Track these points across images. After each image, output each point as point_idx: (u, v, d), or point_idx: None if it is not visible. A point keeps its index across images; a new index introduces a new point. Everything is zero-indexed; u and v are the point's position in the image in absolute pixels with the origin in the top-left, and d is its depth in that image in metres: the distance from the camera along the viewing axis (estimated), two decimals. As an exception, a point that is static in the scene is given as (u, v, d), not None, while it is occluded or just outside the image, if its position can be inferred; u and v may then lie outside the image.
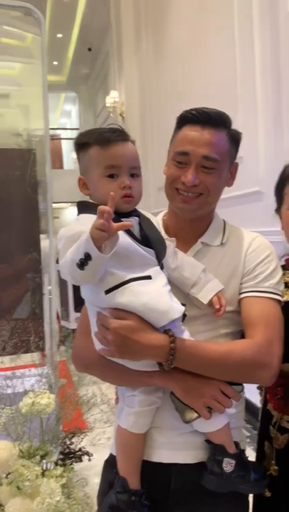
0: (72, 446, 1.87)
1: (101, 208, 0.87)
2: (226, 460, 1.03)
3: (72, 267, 0.91)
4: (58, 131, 13.19)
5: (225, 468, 1.03)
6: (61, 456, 1.86)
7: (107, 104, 6.03)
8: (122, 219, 1.01)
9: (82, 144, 1.05)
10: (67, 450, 1.86)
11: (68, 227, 1.00)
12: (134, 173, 1.04)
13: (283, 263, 1.23)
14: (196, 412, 1.01)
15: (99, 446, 1.97)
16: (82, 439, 1.91)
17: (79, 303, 5.76)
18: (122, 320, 0.96)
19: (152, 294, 0.97)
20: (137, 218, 1.04)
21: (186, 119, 1.10)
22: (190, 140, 1.08)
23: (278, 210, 1.22)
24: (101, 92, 7.95)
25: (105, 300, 0.97)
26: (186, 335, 1.01)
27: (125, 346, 0.97)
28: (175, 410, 1.04)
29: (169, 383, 1.01)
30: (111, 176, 1.01)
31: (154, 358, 0.98)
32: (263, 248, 1.13)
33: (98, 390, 2.11)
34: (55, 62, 8.85)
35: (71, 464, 1.85)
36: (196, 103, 3.99)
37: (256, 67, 2.95)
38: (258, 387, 1.30)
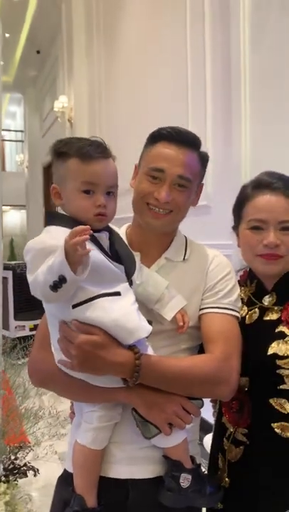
0: (16, 462, 1.81)
1: (78, 231, 0.87)
2: (182, 476, 1.04)
3: (45, 288, 0.89)
4: (2, 133, 12.81)
5: (182, 484, 1.04)
6: (4, 472, 1.78)
7: (55, 109, 5.94)
8: (94, 234, 1.01)
9: (61, 152, 1.03)
10: (11, 466, 1.79)
11: (38, 239, 0.98)
12: (111, 191, 1.03)
13: (238, 278, 1.27)
14: (157, 427, 1.01)
15: (40, 460, 1.92)
16: (27, 453, 1.85)
17: (19, 310, 5.61)
18: (87, 335, 0.95)
19: (122, 311, 0.97)
20: (107, 233, 1.04)
21: (162, 136, 1.12)
22: (165, 157, 1.09)
23: (235, 228, 1.26)
24: (49, 96, 7.83)
25: (72, 314, 0.95)
26: (149, 350, 1.02)
27: (89, 362, 0.96)
28: (135, 426, 1.04)
29: (131, 399, 1.01)
30: (87, 192, 1.00)
31: (118, 374, 0.98)
32: (223, 266, 1.17)
33: (46, 402, 2.06)
34: (1, 62, 8.61)
35: (15, 480, 1.78)
36: (148, 112, 4.09)
37: (207, 78, 3.02)
38: (212, 401, 1.32)
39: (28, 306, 5.44)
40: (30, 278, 0.94)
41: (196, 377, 1.01)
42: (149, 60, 4.03)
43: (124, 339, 0.97)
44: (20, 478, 1.76)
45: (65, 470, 1.18)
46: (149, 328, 0.99)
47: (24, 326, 5.61)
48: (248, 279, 1.25)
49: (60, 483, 1.19)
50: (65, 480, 1.15)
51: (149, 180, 1.10)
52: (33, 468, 1.76)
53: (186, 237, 1.22)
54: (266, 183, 1.17)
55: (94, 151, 1.01)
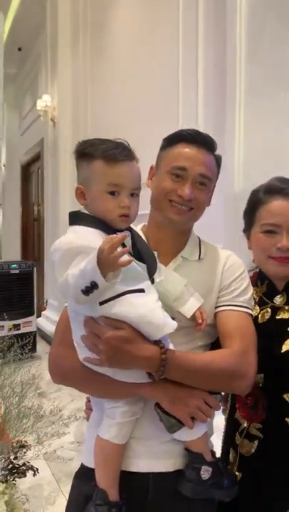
0: (15, 461, 1.79)
1: (113, 240, 0.89)
2: (203, 468, 1.07)
3: (77, 292, 0.92)
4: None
5: (202, 476, 1.07)
6: (3, 472, 1.76)
7: (38, 108, 5.89)
8: (117, 234, 1.03)
9: (86, 153, 1.05)
10: (10, 465, 1.77)
11: (65, 239, 1.00)
12: (134, 193, 1.06)
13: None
14: (180, 421, 1.04)
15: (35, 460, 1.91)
16: (25, 453, 1.83)
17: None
18: (115, 330, 0.97)
19: (148, 307, 1.00)
20: (129, 233, 1.07)
21: (182, 137, 1.17)
22: (188, 157, 1.14)
23: (246, 231, 1.31)
24: (29, 94, 7.75)
25: (99, 310, 0.97)
26: (171, 346, 1.04)
27: (117, 356, 0.98)
28: (158, 420, 1.06)
29: (156, 394, 1.04)
30: (112, 193, 1.03)
31: (145, 369, 1.00)
32: (238, 266, 1.21)
33: (47, 402, 2.05)
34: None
35: (13, 480, 1.77)
36: (136, 114, 4.09)
37: (199, 82, 3.06)
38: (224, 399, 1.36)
39: (6, 306, 5.37)
40: (59, 279, 0.96)
41: (216, 371, 1.05)
42: (138, 61, 4.05)
43: (150, 334, 1.00)
44: (19, 477, 1.75)
45: (82, 465, 1.19)
46: (175, 324, 1.01)
47: (3, 326, 5.55)
48: (259, 279, 1.30)
49: (78, 478, 1.21)
50: (84, 475, 1.16)
51: (171, 178, 1.14)
52: (32, 468, 1.76)
53: (199, 238, 1.26)
54: (278, 188, 1.23)
55: (119, 153, 1.04)
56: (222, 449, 1.29)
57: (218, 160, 1.19)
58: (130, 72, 4.22)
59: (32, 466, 1.76)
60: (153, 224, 1.21)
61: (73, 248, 0.96)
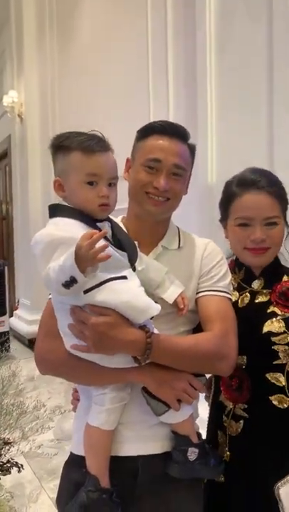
0: (-2, 459, 1.78)
1: (89, 236, 0.91)
2: (190, 449, 1.10)
3: (58, 286, 0.94)
4: None
5: (189, 457, 1.10)
6: (-14, 470, 1.75)
7: (5, 104, 5.78)
8: (97, 224, 1.05)
9: (62, 146, 1.07)
10: (-7, 463, 1.76)
11: (45, 231, 1.01)
12: (112, 183, 1.08)
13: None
14: (166, 404, 1.06)
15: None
16: (8, 449, 1.82)
17: None
18: (100, 316, 0.99)
19: (131, 293, 1.02)
20: (109, 223, 1.09)
21: (154, 129, 1.19)
22: (161, 148, 1.16)
23: (222, 221, 1.35)
24: (-6, 90, 7.58)
25: (84, 299, 0.99)
26: (155, 331, 1.07)
27: (103, 342, 1.00)
28: (145, 405, 1.08)
29: (143, 378, 1.06)
30: (90, 184, 1.05)
31: (131, 353, 1.02)
32: (216, 253, 1.25)
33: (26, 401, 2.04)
34: None
35: (-2, 478, 1.76)
36: (105, 110, 4.07)
37: (169, 77, 3.07)
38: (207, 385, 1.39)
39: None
40: (42, 272, 0.97)
41: (200, 353, 1.08)
42: (107, 55, 4.03)
43: (135, 318, 1.02)
44: (4, 475, 1.73)
45: (72, 454, 1.20)
46: (159, 306, 1.04)
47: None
48: (236, 266, 1.34)
49: (68, 467, 1.22)
50: (74, 463, 1.18)
51: (146, 170, 1.16)
52: (16, 465, 1.74)
53: (178, 227, 1.28)
54: (251, 181, 1.25)
55: (95, 144, 1.06)
56: (208, 432, 1.32)
57: (191, 149, 1.22)
58: (99, 67, 4.20)
59: (16, 462, 1.75)
60: (132, 215, 1.23)
61: (54, 240, 0.97)
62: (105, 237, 1.03)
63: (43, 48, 5.33)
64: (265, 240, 1.22)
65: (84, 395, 1.17)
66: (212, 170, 2.57)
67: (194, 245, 1.24)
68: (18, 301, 6.33)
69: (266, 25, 2.21)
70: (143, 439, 1.12)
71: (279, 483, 1.16)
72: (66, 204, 1.07)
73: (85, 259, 0.90)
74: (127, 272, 1.04)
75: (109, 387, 1.07)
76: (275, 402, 1.19)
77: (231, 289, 1.24)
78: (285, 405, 1.19)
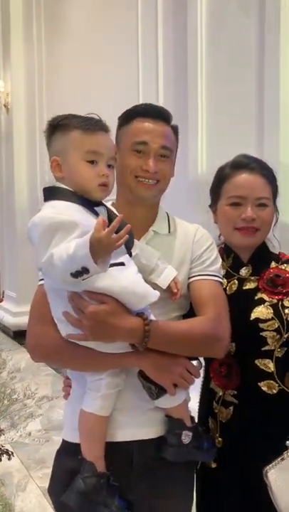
0: (-12, 447, 1.78)
1: (111, 228, 0.89)
2: (184, 433, 1.12)
3: (65, 275, 0.92)
4: None
5: (183, 440, 1.12)
6: (-23, 459, 1.76)
7: (-10, 93, 5.71)
8: (95, 208, 1.05)
9: (60, 125, 1.06)
10: (-16, 451, 1.77)
11: (43, 215, 0.99)
12: (111, 164, 1.08)
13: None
14: (162, 389, 1.08)
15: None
16: (-2, 438, 1.83)
17: None
18: (99, 304, 1.00)
19: (130, 279, 1.03)
20: (104, 207, 1.08)
21: (137, 113, 1.19)
22: (146, 131, 1.16)
23: (212, 206, 1.37)
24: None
25: (82, 285, 0.98)
26: (152, 317, 1.08)
27: (101, 330, 1.01)
28: (140, 391, 1.10)
29: (141, 362, 1.08)
30: (91, 162, 1.04)
31: (129, 340, 1.04)
32: (207, 237, 1.26)
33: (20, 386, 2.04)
34: None
35: (-12, 466, 1.76)
36: (95, 103, 4.02)
37: (159, 65, 3.07)
38: None
39: None
40: (41, 257, 0.96)
41: (196, 337, 1.10)
42: (96, 48, 4.00)
43: (134, 305, 1.03)
44: (-6, 462, 1.74)
45: (64, 441, 1.21)
46: (157, 293, 1.05)
47: None
48: (225, 254, 1.36)
49: (60, 455, 1.22)
50: (67, 450, 1.19)
51: (133, 154, 1.16)
52: (7, 452, 1.76)
53: (167, 212, 1.29)
54: (244, 163, 1.29)
55: (95, 123, 1.07)
56: (199, 419, 1.33)
57: (175, 130, 1.23)
58: (87, 58, 4.17)
59: (7, 450, 1.76)
60: (122, 200, 1.23)
61: (53, 224, 0.96)
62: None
63: (30, 38, 5.26)
64: (256, 219, 1.24)
65: (77, 382, 1.18)
66: (202, 161, 2.59)
67: (184, 230, 1.26)
68: (3, 293, 6.29)
69: (257, 18, 2.23)
70: (138, 425, 1.13)
71: (267, 467, 1.19)
72: (63, 186, 1.06)
73: (101, 250, 0.88)
74: (125, 258, 1.05)
75: (106, 372, 1.08)
76: (264, 388, 1.23)
77: (222, 272, 1.26)
78: (274, 391, 1.22)
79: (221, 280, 1.22)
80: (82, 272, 0.90)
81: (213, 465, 1.26)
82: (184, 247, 1.22)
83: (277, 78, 2.14)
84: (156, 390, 1.08)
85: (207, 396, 1.32)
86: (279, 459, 1.20)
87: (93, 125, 1.05)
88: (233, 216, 1.26)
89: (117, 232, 1.04)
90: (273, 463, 1.20)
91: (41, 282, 1.17)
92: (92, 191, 1.05)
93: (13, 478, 2.62)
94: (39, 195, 5.95)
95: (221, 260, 1.26)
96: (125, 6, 3.47)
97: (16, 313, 5.38)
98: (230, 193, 1.27)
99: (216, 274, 1.21)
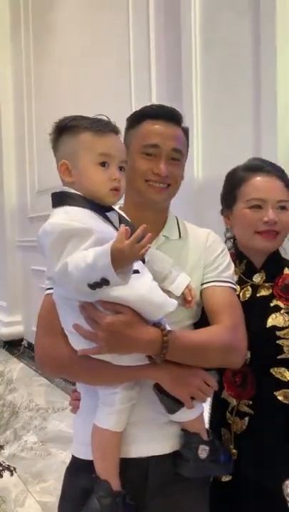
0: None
1: (134, 237, 0.85)
2: (201, 447, 1.08)
3: (81, 285, 0.87)
4: None
5: (200, 455, 1.08)
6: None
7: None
8: (106, 214, 1.01)
9: (69, 126, 1.01)
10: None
11: (56, 221, 0.94)
12: (122, 167, 1.03)
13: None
14: (180, 402, 1.04)
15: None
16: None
17: None
18: (115, 314, 0.95)
19: (146, 287, 0.98)
20: (116, 213, 1.04)
21: (147, 114, 1.16)
22: (157, 133, 1.13)
23: (225, 211, 1.33)
24: None
25: (95, 295, 0.93)
26: (168, 327, 1.03)
27: (117, 342, 0.96)
28: (154, 404, 1.06)
29: (159, 375, 1.03)
30: (102, 165, 1.00)
31: (147, 352, 0.99)
32: (219, 242, 1.23)
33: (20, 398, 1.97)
34: None
35: (-12, 483, 1.70)
36: (84, 105, 3.93)
37: (152, 70, 3.03)
38: None
39: None
40: (54, 266, 0.90)
41: (214, 348, 1.05)
42: (86, 51, 3.94)
43: (151, 314, 0.99)
44: (-4, 479, 1.68)
45: (75, 458, 1.16)
46: (175, 302, 1.00)
47: None
48: (237, 259, 1.32)
49: (71, 472, 1.17)
50: (79, 468, 1.13)
51: (144, 157, 1.12)
52: (9, 468, 1.69)
53: (176, 216, 1.26)
54: (259, 166, 1.26)
55: (106, 124, 1.02)
56: (210, 430, 1.30)
57: (186, 132, 1.19)
58: (77, 60, 4.12)
59: (9, 465, 1.70)
60: (130, 204, 1.18)
61: (66, 231, 0.91)
62: (114, 227, 1.00)
63: (17, 40, 5.21)
64: (277, 222, 1.21)
65: (88, 395, 1.13)
66: (198, 166, 2.57)
67: (195, 235, 1.22)
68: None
69: (252, 20, 2.22)
70: (153, 439, 1.09)
71: (288, 481, 1.15)
72: (73, 191, 1.01)
73: (123, 260, 0.84)
74: (139, 265, 1.00)
75: (120, 386, 1.03)
76: (280, 398, 1.19)
77: (235, 279, 1.23)
78: (290, 400, 1.19)
79: (234, 287, 1.19)
80: (101, 283, 0.85)
81: (227, 478, 1.22)
82: (195, 252, 1.19)
83: (274, 81, 2.12)
84: (173, 404, 1.04)
85: (219, 406, 1.28)
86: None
87: (104, 126, 1.01)
88: (254, 219, 1.23)
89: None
90: (292, 475, 1.17)
91: (49, 291, 1.12)
92: (104, 196, 1.01)
93: (10, 493, 2.54)
94: (28, 201, 5.93)
95: (233, 266, 1.22)
96: (116, 7, 3.43)
97: (7, 323, 5.30)
98: (250, 196, 1.24)
99: (230, 281, 1.18)
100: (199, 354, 1.04)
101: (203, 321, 1.17)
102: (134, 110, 3.48)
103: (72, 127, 1.02)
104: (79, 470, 1.13)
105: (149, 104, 3.16)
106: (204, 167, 2.55)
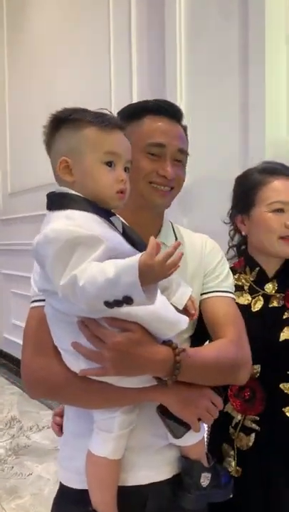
0: None
1: (168, 252, 0.76)
2: (203, 475, 0.99)
3: (96, 303, 0.76)
4: None
5: (202, 484, 0.99)
6: None
7: None
8: (110, 218, 0.91)
9: (70, 119, 0.89)
10: None
11: (59, 227, 0.81)
12: (127, 167, 0.93)
13: (231, 265, 1.25)
14: (186, 425, 0.94)
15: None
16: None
17: None
18: (123, 332, 0.85)
19: (158, 302, 0.85)
20: (119, 219, 0.94)
21: (148, 109, 1.05)
22: (162, 131, 1.03)
23: (238, 216, 1.27)
24: None
25: (103, 311, 0.81)
26: (179, 345, 0.93)
27: (126, 362, 0.85)
28: (152, 427, 0.97)
29: (167, 398, 0.93)
30: (109, 164, 0.89)
31: (157, 374, 0.89)
32: (217, 249, 1.15)
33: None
34: None
35: None
36: (62, 99, 3.75)
37: (133, 72, 2.93)
38: None
39: None
40: (58, 278, 0.78)
41: (224, 365, 0.97)
42: (64, 49, 3.80)
43: (163, 333, 0.89)
44: None
45: (64, 486, 1.04)
46: (186, 318, 0.91)
47: None
48: (248, 266, 1.26)
49: (61, 503, 1.05)
50: (71, 498, 1.01)
51: (148, 157, 1.02)
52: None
53: (170, 221, 1.17)
54: (275, 169, 1.22)
55: (112, 119, 0.92)
56: (210, 445, 1.21)
57: (186, 130, 1.11)
58: (53, 56, 3.97)
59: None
60: (126, 208, 1.02)
61: (72, 239, 0.79)
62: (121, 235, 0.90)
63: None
64: None
65: (79, 418, 1.01)
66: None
67: (192, 241, 1.13)
68: None
69: (239, 15, 2.16)
70: (153, 465, 0.99)
71: None
72: (74, 193, 0.89)
73: (151, 278, 0.73)
74: None
75: (120, 409, 0.92)
76: (288, 414, 1.12)
77: (245, 288, 1.18)
78: (299, 417, 1.12)
79: (234, 297, 1.11)
80: (122, 302, 0.74)
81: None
82: (194, 260, 1.10)
83: (263, 78, 2.05)
84: (179, 427, 0.94)
85: (222, 420, 1.18)
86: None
87: (110, 121, 0.90)
88: (277, 224, 1.17)
89: (129, 242, 0.90)
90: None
91: (36, 304, 1.00)
92: (110, 199, 0.89)
93: (-17, 510, 2.38)
94: (0, 203, 5.71)
95: (231, 274, 1.14)
96: (95, 6, 3.31)
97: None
98: (272, 199, 1.18)
99: (230, 291, 1.10)
100: (211, 372, 0.95)
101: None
102: (112, 101, 3.35)
103: (73, 121, 0.90)
104: (70, 501, 1.01)
105: (128, 95, 3.04)
106: (190, 166, 2.46)
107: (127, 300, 0.73)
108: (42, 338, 0.94)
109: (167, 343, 0.89)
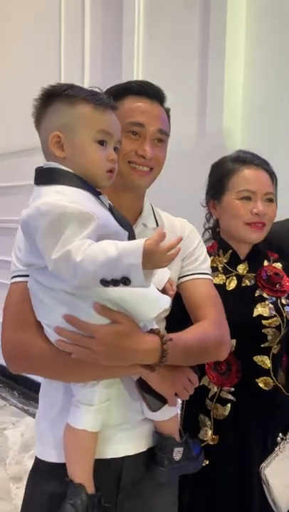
0: None
1: (173, 242, 0.78)
2: (175, 450, 1.06)
3: (92, 280, 0.77)
4: None
5: (175, 458, 1.06)
6: None
7: None
8: (100, 197, 0.92)
9: (64, 95, 0.90)
10: None
11: (51, 201, 0.82)
12: (117, 147, 0.95)
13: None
14: (163, 399, 0.99)
15: None
16: None
17: None
18: (112, 324, 0.88)
19: None
20: (106, 199, 0.95)
21: (130, 90, 1.07)
22: (143, 111, 1.05)
23: (211, 201, 1.33)
24: None
25: (91, 289, 0.84)
26: (155, 325, 0.98)
27: (116, 354, 0.90)
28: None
29: (149, 373, 0.96)
30: (101, 143, 0.90)
31: (145, 361, 0.93)
32: (195, 233, 1.20)
33: None
34: None
35: None
36: (13, 75, 3.55)
37: (85, 66, 2.89)
38: None
39: None
40: (49, 251, 0.79)
41: (206, 345, 1.02)
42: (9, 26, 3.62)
43: (146, 313, 0.92)
44: None
45: (39, 460, 1.06)
46: (168, 298, 0.95)
47: None
48: (221, 249, 1.33)
49: (36, 476, 1.07)
50: (45, 471, 1.04)
51: (128, 137, 1.04)
52: None
53: (150, 203, 1.19)
54: (247, 159, 1.28)
55: (105, 99, 0.93)
56: (186, 416, 1.29)
57: (168, 113, 1.13)
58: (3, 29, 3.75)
59: None
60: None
61: (65, 214, 0.79)
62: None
63: None
64: (265, 214, 1.24)
65: (58, 392, 1.03)
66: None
67: (171, 224, 1.16)
68: None
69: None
70: (129, 438, 1.04)
71: (264, 464, 1.19)
72: (65, 168, 0.89)
73: (151, 264, 0.75)
74: None
75: (101, 383, 0.96)
76: (261, 385, 1.22)
77: (220, 269, 1.25)
78: (270, 387, 1.22)
79: (212, 278, 1.16)
80: (119, 282, 0.75)
81: (205, 463, 1.20)
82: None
83: (222, 60, 2.10)
84: (156, 401, 0.99)
85: (198, 392, 1.25)
86: (273, 455, 1.22)
87: (104, 101, 0.91)
88: (244, 211, 1.24)
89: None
90: (268, 459, 1.21)
91: (16, 280, 0.99)
92: (100, 177, 0.91)
93: None
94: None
95: (208, 256, 1.19)
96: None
97: None
98: (241, 187, 1.25)
99: (208, 272, 1.15)
100: (196, 354, 1.01)
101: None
102: (62, 80, 3.28)
103: (68, 96, 0.90)
104: (44, 474, 1.04)
105: (80, 72, 2.97)
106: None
107: (125, 281, 0.75)
108: (24, 313, 0.95)
109: (155, 331, 0.94)
